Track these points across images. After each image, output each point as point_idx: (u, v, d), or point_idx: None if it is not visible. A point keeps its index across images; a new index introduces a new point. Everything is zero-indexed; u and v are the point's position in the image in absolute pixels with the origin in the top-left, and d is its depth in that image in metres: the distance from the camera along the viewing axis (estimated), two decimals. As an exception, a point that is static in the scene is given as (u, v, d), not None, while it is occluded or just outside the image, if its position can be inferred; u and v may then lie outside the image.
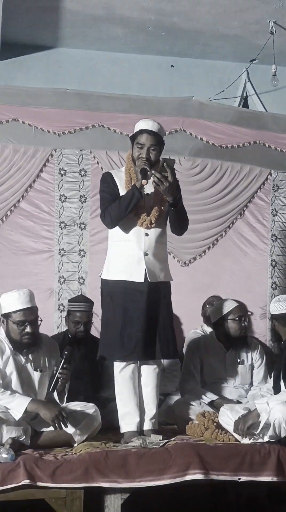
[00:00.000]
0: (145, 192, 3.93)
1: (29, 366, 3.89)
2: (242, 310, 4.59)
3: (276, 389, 4.00)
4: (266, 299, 5.84)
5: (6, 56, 6.32)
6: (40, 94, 5.55)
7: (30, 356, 3.91)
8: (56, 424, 3.62)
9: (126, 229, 3.93)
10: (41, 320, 3.96)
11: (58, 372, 3.82)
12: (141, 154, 3.89)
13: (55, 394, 3.90)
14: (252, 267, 5.92)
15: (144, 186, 3.88)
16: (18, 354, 3.89)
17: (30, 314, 3.87)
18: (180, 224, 4.04)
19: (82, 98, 5.60)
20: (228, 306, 4.60)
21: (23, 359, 3.89)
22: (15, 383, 3.82)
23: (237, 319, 4.54)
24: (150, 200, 3.96)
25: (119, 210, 3.86)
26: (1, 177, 5.43)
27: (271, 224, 5.99)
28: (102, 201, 4.01)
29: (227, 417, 3.85)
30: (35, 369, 3.90)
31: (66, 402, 3.94)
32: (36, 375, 3.91)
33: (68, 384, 3.94)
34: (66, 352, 3.88)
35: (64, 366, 3.83)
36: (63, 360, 3.85)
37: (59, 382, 3.82)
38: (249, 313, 4.80)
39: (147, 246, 3.92)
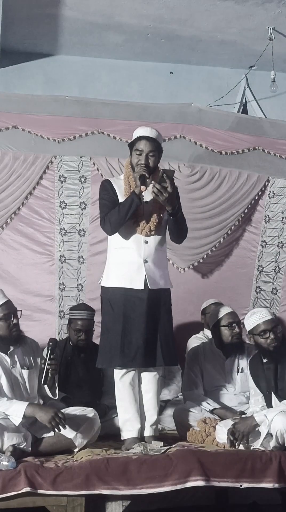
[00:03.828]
0: (144, 200, 3.94)
1: (17, 366, 3.93)
2: (232, 317, 4.59)
3: (269, 405, 3.97)
4: (249, 303, 5.91)
5: (6, 64, 6.33)
6: (40, 102, 5.56)
7: (16, 357, 3.95)
8: (53, 425, 3.62)
9: (126, 236, 3.94)
10: (21, 311, 4.03)
11: (46, 364, 3.86)
12: (140, 161, 3.90)
13: (47, 389, 3.93)
14: (240, 271, 5.98)
15: (143, 193, 3.89)
16: (4, 356, 3.92)
17: (11, 306, 3.98)
18: (180, 232, 4.05)
19: (82, 105, 5.61)
20: (220, 313, 4.63)
21: (9, 360, 3.93)
22: (5, 385, 3.85)
23: (228, 325, 4.55)
24: (149, 207, 3.97)
25: (119, 216, 3.87)
26: (1, 184, 5.44)
27: (262, 230, 6.00)
28: (101, 209, 4.02)
29: (224, 434, 3.83)
30: (23, 367, 3.94)
31: (66, 407, 3.95)
32: (24, 373, 3.94)
33: (57, 377, 3.99)
34: (51, 344, 3.92)
35: (51, 357, 3.87)
36: (49, 352, 3.88)
37: (49, 374, 3.86)
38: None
39: (147, 254, 3.92)
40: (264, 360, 4.02)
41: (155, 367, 3.96)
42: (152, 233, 3.94)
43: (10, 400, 3.74)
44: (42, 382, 3.89)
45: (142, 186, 3.83)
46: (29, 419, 3.73)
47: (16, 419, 3.66)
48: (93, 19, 5.94)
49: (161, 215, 3.98)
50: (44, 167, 5.54)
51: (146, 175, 3.84)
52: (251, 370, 4.17)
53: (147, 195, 3.94)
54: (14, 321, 3.94)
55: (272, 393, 3.93)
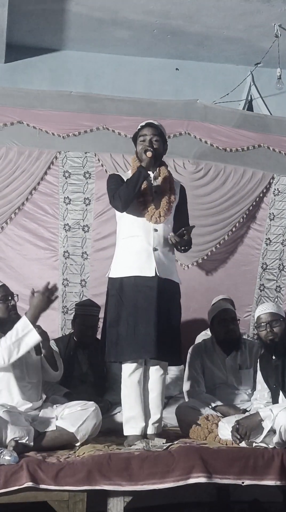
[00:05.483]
0: (154, 189, 3.95)
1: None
2: (226, 313, 4.60)
3: (275, 401, 3.97)
4: (253, 301, 5.91)
5: (11, 59, 6.33)
6: (45, 97, 5.55)
7: None
8: (48, 295, 3.74)
9: (134, 224, 3.93)
10: (17, 295, 4.07)
11: None
12: (145, 143, 3.97)
13: (47, 366, 4.00)
14: (244, 268, 5.98)
15: (153, 181, 3.93)
16: None
17: (8, 289, 4.03)
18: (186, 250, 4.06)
19: (87, 101, 5.60)
20: (214, 310, 4.64)
21: None
22: (17, 368, 3.86)
23: (221, 322, 4.57)
24: (159, 194, 3.98)
25: (128, 190, 3.86)
26: (5, 180, 5.44)
27: (266, 228, 5.99)
28: (110, 191, 4.01)
29: (226, 431, 3.82)
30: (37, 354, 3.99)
31: (68, 402, 3.95)
32: (32, 353, 3.97)
33: (57, 354, 4.09)
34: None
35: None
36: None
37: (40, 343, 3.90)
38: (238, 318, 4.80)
39: (157, 242, 3.91)
40: (273, 357, 4.02)
41: (162, 366, 3.95)
42: (162, 219, 3.92)
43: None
44: (36, 354, 3.95)
45: (147, 152, 3.86)
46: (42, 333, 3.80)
47: (32, 336, 3.73)
48: (99, 15, 5.94)
49: (171, 203, 3.99)
50: (49, 162, 5.53)
51: (150, 149, 3.88)
52: (260, 365, 4.18)
53: (156, 183, 3.98)
54: (12, 302, 3.98)
55: (280, 389, 3.93)
